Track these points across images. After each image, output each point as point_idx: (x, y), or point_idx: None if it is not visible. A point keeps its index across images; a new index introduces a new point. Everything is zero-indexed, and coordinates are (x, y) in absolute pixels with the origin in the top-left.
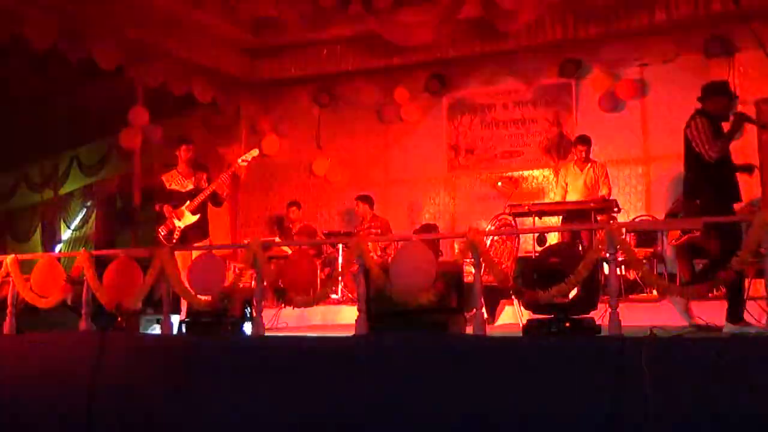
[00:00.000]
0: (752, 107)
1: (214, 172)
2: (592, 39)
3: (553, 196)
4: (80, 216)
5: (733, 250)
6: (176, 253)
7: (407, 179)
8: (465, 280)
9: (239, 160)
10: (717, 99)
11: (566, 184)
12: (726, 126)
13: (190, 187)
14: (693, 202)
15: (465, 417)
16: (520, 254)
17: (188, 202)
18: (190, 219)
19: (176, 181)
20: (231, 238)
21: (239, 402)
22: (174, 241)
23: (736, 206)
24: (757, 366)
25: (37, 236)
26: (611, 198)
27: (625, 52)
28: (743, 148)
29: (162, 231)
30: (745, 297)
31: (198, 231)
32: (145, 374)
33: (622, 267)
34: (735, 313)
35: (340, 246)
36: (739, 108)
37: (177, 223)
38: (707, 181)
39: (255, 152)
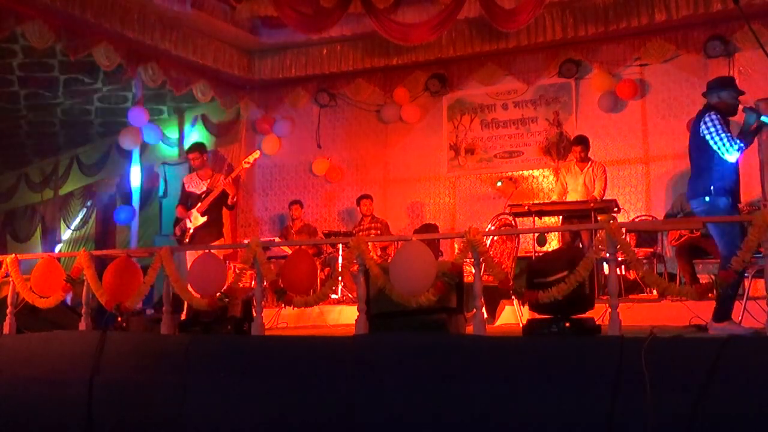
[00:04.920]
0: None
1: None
2: (592, 39)
3: (553, 195)
4: (80, 216)
5: (733, 251)
6: (188, 253)
7: (407, 179)
8: (465, 280)
9: (243, 163)
10: (725, 94)
11: (566, 184)
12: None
13: (204, 189)
14: (700, 202)
15: (465, 417)
16: (520, 254)
17: (199, 204)
18: (199, 220)
19: (193, 183)
20: (231, 238)
21: (239, 402)
22: (186, 241)
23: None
24: (757, 366)
25: (37, 236)
26: (606, 197)
27: (625, 52)
28: None
29: (177, 231)
30: (735, 297)
31: (208, 231)
32: (145, 374)
33: (622, 267)
34: (722, 312)
35: (340, 246)
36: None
37: (188, 224)
38: (715, 182)
39: (257, 154)
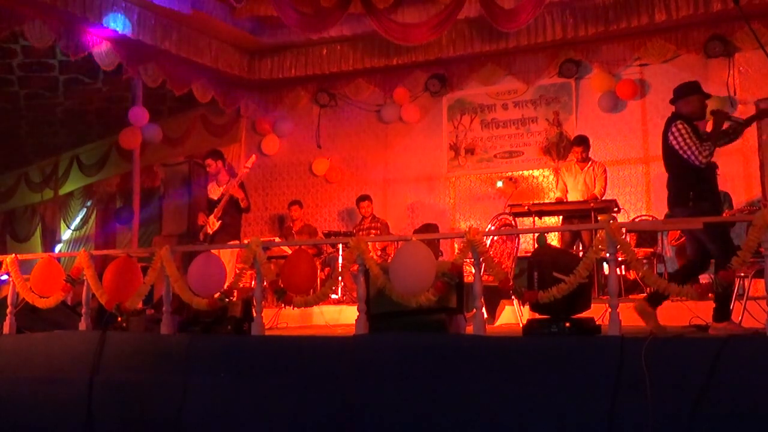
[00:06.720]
0: (752, 107)
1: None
2: (592, 39)
3: (553, 194)
4: (80, 216)
5: (727, 251)
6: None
7: (407, 179)
8: (465, 280)
9: (242, 167)
10: (691, 99)
11: (566, 184)
12: (702, 126)
13: (220, 194)
14: (683, 208)
15: (465, 417)
16: (520, 254)
17: (215, 210)
18: (215, 225)
19: (213, 190)
20: None
21: (239, 402)
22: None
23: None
24: (757, 366)
25: (37, 236)
26: (606, 197)
27: (625, 52)
28: (742, 148)
29: (201, 237)
30: (733, 296)
31: (224, 235)
32: (145, 374)
33: (622, 267)
34: (722, 313)
35: (340, 246)
36: (738, 108)
37: (208, 229)
38: (694, 187)
39: (253, 158)
